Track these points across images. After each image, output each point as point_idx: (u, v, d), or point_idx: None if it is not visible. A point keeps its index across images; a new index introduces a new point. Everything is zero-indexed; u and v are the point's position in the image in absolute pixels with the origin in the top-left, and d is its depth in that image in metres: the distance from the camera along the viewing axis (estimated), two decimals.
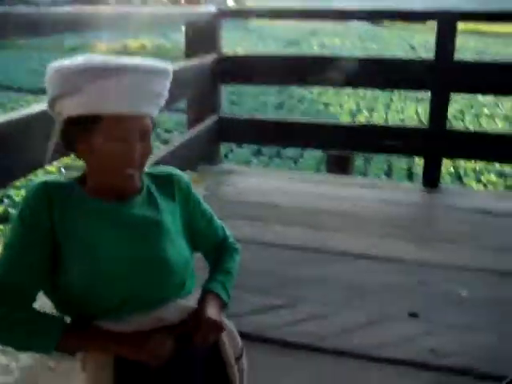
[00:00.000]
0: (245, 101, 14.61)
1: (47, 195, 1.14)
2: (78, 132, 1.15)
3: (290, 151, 11.24)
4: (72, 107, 1.13)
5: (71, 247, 1.14)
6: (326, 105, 15.41)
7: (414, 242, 2.96)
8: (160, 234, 1.21)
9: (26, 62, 21.99)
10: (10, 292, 1.12)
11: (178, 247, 1.23)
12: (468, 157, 4.75)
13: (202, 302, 1.25)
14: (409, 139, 3.88)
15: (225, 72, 3.87)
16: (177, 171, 1.35)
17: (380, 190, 3.85)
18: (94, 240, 1.15)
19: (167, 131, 12.24)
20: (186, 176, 1.36)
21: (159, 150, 3.66)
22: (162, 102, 1.21)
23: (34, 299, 1.17)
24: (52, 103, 1.17)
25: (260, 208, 3.36)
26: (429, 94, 3.77)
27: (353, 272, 2.64)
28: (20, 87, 17.43)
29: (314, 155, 11.17)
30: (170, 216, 1.26)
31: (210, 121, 3.91)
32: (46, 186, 1.16)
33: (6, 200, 8.23)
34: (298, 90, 16.43)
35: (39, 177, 1.23)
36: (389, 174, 10.34)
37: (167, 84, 1.20)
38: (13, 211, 8.02)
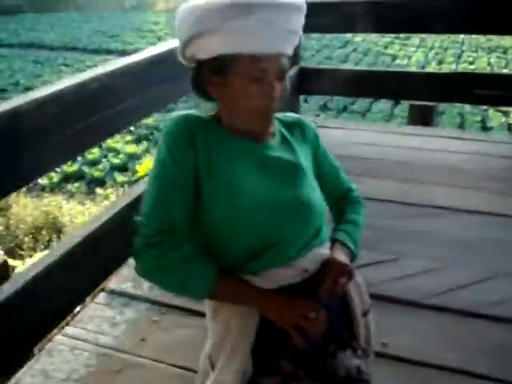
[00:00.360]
0: (307, 55, 14.30)
1: (190, 130, 1.11)
2: (212, 74, 1.10)
3: (358, 105, 10.98)
4: (208, 48, 1.07)
5: (213, 185, 1.10)
6: (393, 57, 14.90)
7: None
8: (300, 177, 1.17)
9: (88, 23, 22.26)
10: (164, 229, 1.08)
11: (316, 191, 1.20)
12: None
13: (330, 250, 1.20)
14: (501, 88, 3.62)
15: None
16: (305, 118, 1.30)
17: (470, 141, 3.64)
18: (237, 179, 1.10)
19: None
20: (313, 124, 1.29)
21: None
22: (297, 41, 1.15)
23: (186, 237, 1.11)
24: (184, 46, 1.11)
25: (348, 160, 3.20)
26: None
27: (455, 227, 2.50)
28: (85, 48, 17.73)
29: (381, 108, 10.87)
30: (306, 160, 1.22)
31: (291, 72, 3.78)
32: (188, 120, 1.12)
33: (79, 158, 8.44)
34: (362, 43, 15.93)
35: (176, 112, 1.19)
36: (461, 126, 9.96)
37: (303, 21, 1.14)
38: (87, 170, 8.21)
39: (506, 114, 10.25)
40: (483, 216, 2.60)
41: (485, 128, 10.17)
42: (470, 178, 3.01)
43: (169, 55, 2.10)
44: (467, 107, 10.76)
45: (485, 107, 10.72)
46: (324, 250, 1.18)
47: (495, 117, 10.76)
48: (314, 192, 1.18)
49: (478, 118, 10.79)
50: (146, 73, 1.94)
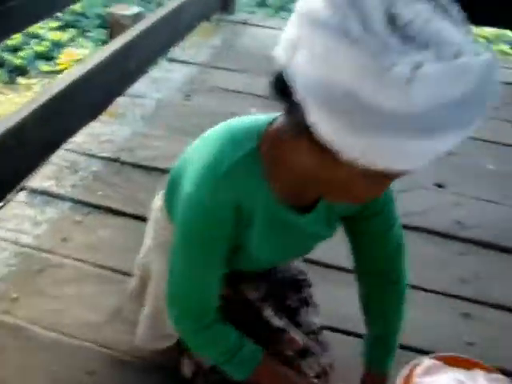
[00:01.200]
0: None
1: (236, 202, 0.92)
2: (316, 143, 0.76)
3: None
4: (335, 136, 0.72)
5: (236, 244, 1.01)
6: None
7: None
8: (319, 242, 1.15)
9: None
10: (198, 308, 1.03)
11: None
12: None
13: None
14: None
15: None
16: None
17: None
18: (257, 246, 1.02)
19: None
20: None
21: (168, 3, 3.38)
22: None
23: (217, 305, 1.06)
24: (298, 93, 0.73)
25: None
26: None
27: None
28: None
29: None
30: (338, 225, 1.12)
31: None
32: (233, 186, 0.91)
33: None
34: None
35: (215, 157, 0.92)
36: None
37: None
38: (7, 57, 7.67)
39: None
40: None
41: None
42: None
43: None
44: None
45: None
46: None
47: None
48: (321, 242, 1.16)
49: None
50: None
